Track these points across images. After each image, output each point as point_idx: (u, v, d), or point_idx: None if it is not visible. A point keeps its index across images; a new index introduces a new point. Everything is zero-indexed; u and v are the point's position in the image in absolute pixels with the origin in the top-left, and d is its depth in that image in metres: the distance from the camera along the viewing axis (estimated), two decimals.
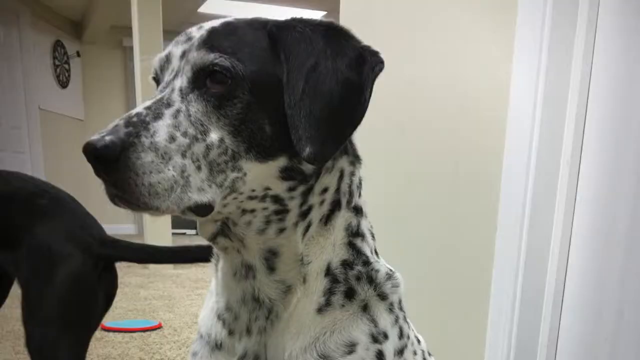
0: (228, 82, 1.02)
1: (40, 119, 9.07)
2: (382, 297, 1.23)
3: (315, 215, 1.17)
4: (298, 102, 1.04)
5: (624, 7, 1.87)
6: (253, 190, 1.09)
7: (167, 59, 1.10)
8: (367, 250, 1.25)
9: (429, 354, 1.47)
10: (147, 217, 6.44)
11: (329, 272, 1.19)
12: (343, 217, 1.21)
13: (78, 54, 10.24)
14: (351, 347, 1.17)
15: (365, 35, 1.16)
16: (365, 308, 1.21)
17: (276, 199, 1.12)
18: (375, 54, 1.13)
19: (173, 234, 7.35)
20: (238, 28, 1.09)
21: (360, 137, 1.24)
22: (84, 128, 10.28)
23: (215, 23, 1.10)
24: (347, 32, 1.14)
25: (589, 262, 2.02)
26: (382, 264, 1.27)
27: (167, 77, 1.08)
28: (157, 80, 1.14)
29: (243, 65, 1.02)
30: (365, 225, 1.26)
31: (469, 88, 2.27)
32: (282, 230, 1.15)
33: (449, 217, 2.38)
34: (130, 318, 4.76)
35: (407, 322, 1.32)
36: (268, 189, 1.10)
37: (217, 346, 1.26)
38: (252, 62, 1.04)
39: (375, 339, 1.19)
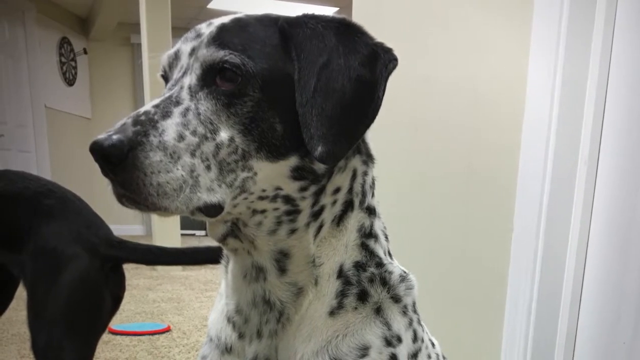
0: (238, 79, 1.01)
1: (46, 117, 9.07)
2: (396, 299, 1.22)
3: (328, 215, 1.15)
4: (310, 100, 1.03)
5: None
6: (264, 190, 1.07)
7: (176, 56, 1.09)
8: (381, 252, 1.23)
9: (444, 358, 1.46)
10: (155, 218, 6.44)
11: (341, 273, 1.18)
12: (356, 218, 1.19)
13: (85, 51, 10.23)
14: (364, 351, 1.15)
15: (378, 31, 1.15)
16: (378, 311, 1.19)
17: (287, 199, 1.10)
18: (388, 50, 1.11)
19: (182, 235, 7.35)
20: (248, 24, 1.07)
21: (373, 136, 1.22)
22: (91, 126, 10.29)
23: (225, 19, 1.09)
24: (360, 29, 1.12)
25: (607, 264, 2.01)
26: (395, 266, 1.25)
27: (175, 74, 1.07)
28: (165, 77, 1.13)
29: (253, 62, 1.01)
30: (378, 226, 1.24)
31: (484, 85, 2.26)
32: (293, 231, 1.13)
33: (463, 217, 2.37)
34: (139, 321, 4.74)
35: (421, 324, 1.31)
36: (279, 189, 1.08)
37: (227, 349, 1.25)
38: (262, 59, 1.03)
39: (388, 343, 1.18)
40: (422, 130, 2.32)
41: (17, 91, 8.43)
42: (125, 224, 8.76)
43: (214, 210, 1.03)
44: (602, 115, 1.98)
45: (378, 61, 1.08)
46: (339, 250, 1.18)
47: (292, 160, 1.07)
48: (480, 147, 2.30)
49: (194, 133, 0.98)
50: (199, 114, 1.00)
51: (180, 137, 0.97)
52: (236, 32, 1.05)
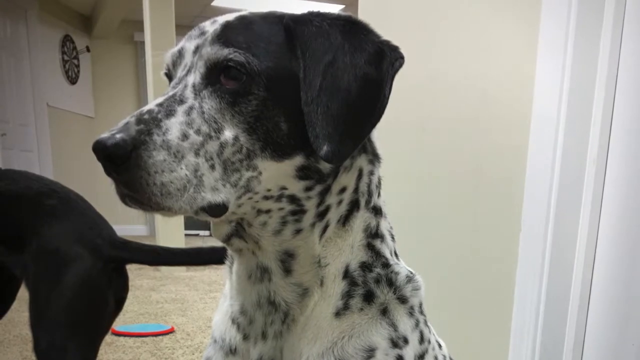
0: (243, 78, 1.00)
1: (48, 116, 9.03)
2: (402, 300, 1.21)
3: (333, 215, 1.14)
4: (315, 99, 1.02)
5: None
6: (269, 190, 1.07)
7: (180, 54, 1.08)
8: (387, 252, 1.22)
9: (451, 359, 1.44)
10: (159, 218, 6.43)
11: (347, 274, 1.17)
12: (362, 218, 1.18)
13: (88, 49, 10.19)
14: (370, 352, 1.15)
15: (385, 30, 1.14)
16: (384, 312, 1.18)
17: (292, 199, 1.09)
18: (394, 49, 1.10)
19: (186, 235, 7.32)
20: (253, 22, 1.07)
21: (379, 135, 1.22)
22: (94, 126, 10.26)
23: (230, 17, 1.08)
24: (366, 27, 1.11)
25: (616, 264, 2.00)
26: (402, 266, 1.25)
27: (179, 72, 1.06)
28: (169, 76, 1.13)
29: (258, 60, 1.01)
30: (384, 226, 1.23)
31: (492, 85, 2.25)
32: (298, 231, 1.12)
33: (471, 218, 2.36)
34: (142, 322, 4.73)
35: (427, 326, 1.30)
36: (284, 188, 1.08)
37: (232, 351, 1.24)
38: (267, 58, 1.02)
39: (395, 344, 1.17)
40: (428, 129, 2.31)
41: (19, 90, 8.38)
42: (129, 224, 8.73)
43: (218, 210, 1.02)
44: (610, 115, 1.97)
45: (384, 59, 1.07)
46: (345, 250, 1.17)
47: (298, 160, 1.06)
48: (488, 147, 2.29)
49: (198, 132, 0.98)
50: (203, 112, 1.00)
51: (184, 136, 0.96)
52: (241, 30, 1.04)
